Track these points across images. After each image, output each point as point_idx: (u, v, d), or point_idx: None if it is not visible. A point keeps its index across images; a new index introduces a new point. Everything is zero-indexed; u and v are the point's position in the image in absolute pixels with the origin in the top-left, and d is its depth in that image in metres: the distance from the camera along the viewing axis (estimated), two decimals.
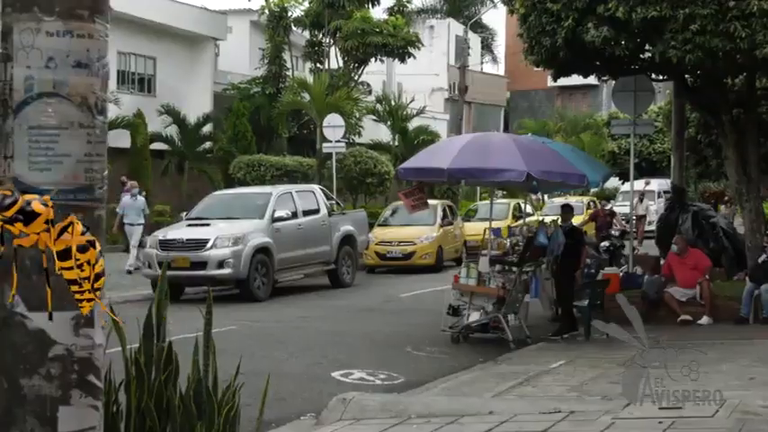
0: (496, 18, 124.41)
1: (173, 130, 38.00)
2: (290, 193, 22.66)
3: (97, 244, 3.67)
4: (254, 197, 22.78)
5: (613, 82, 19.41)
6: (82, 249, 4.29)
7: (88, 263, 4.62)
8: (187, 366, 5.38)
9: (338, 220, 23.67)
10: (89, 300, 5.13)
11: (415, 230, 27.38)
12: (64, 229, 4.44)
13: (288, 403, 10.43)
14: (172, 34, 40.02)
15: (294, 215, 21.87)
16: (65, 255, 4.38)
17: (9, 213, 4.58)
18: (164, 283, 5.46)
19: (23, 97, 3.13)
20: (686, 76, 17.61)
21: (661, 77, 19.00)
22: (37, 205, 4.67)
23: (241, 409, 5.56)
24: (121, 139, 33.21)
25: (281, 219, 21.30)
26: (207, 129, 39.25)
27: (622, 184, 45.14)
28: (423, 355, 13.89)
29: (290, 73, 41.78)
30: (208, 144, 39.34)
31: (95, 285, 4.93)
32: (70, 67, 3.14)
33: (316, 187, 25.17)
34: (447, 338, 14.94)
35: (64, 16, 3.13)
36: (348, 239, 23.64)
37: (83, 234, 4.07)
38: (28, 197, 4.72)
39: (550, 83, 48.63)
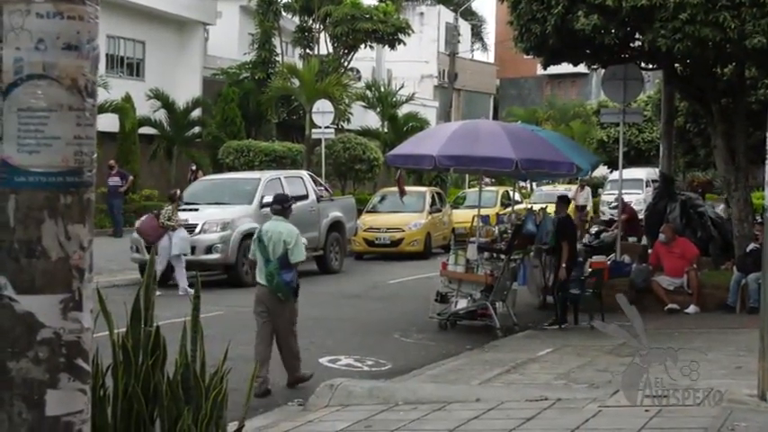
0: (486, 5, 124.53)
1: (161, 115, 37.92)
2: (279, 178, 22.58)
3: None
4: (242, 182, 22.71)
5: (603, 70, 19.38)
6: None
7: None
8: (174, 351, 5.36)
9: (327, 206, 23.63)
10: None
11: (403, 217, 27.36)
12: None
13: (275, 389, 10.45)
14: (161, 18, 39.92)
15: None
16: None
17: None
18: (151, 268, 5.43)
19: (13, 79, 3.11)
20: (676, 64, 17.61)
21: (650, 66, 19.00)
22: None
23: (229, 394, 5.54)
24: (110, 123, 33.10)
25: (269, 204, 21.22)
26: (196, 114, 39.17)
27: (611, 172, 45.17)
28: (410, 341, 13.90)
29: (279, 58, 41.73)
30: (197, 129, 39.29)
31: None
32: (60, 49, 3.12)
33: (304, 173, 25.12)
34: (435, 325, 14.96)
35: None
36: (336, 226, 23.63)
37: None
38: None
39: (540, 71, 48.47)
